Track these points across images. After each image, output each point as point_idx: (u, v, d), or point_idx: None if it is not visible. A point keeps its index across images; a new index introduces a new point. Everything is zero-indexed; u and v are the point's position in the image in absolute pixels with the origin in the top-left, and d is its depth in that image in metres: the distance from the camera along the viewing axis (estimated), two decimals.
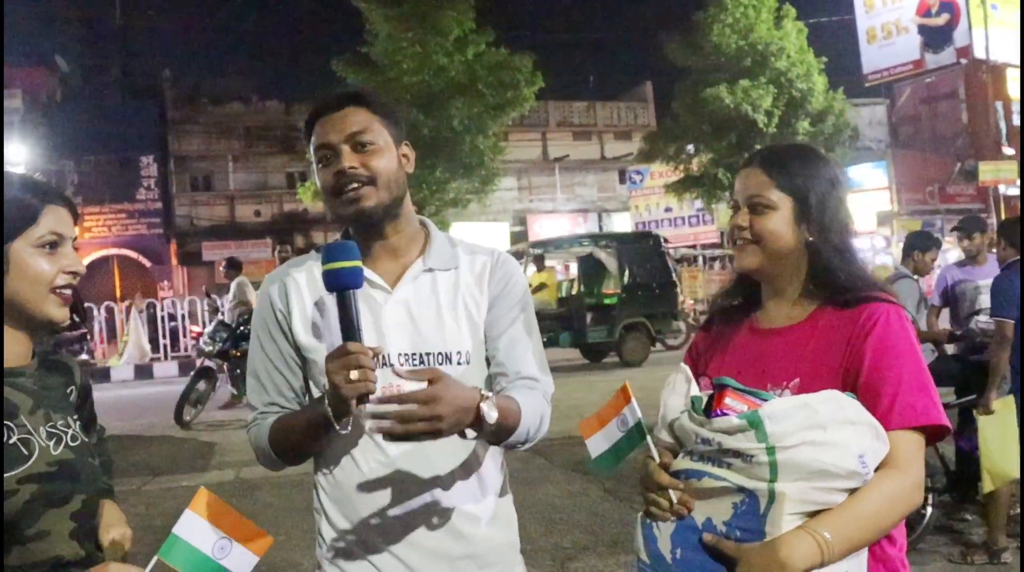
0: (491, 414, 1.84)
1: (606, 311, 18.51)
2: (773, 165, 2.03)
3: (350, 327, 1.83)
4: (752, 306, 2.14)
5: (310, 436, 2.00)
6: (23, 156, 32.97)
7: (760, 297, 2.12)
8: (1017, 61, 33.07)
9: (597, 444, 2.00)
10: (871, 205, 32.73)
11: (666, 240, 21.92)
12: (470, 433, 1.87)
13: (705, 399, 1.82)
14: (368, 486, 2.04)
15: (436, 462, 2.05)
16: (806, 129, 27.07)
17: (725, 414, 1.74)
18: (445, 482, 2.05)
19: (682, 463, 1.83)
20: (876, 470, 1.74)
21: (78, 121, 34.88)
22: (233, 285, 13.32)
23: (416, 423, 1.74)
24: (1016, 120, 35.73)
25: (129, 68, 41.47)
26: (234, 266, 13.64)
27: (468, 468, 2.09)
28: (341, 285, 1.85)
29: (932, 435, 1.85)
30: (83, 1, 47.56)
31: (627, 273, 19.01)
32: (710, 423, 1.75)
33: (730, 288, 2.22)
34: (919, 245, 6.81)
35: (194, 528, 1.74)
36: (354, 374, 1.77)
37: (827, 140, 27.17)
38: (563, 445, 8.76)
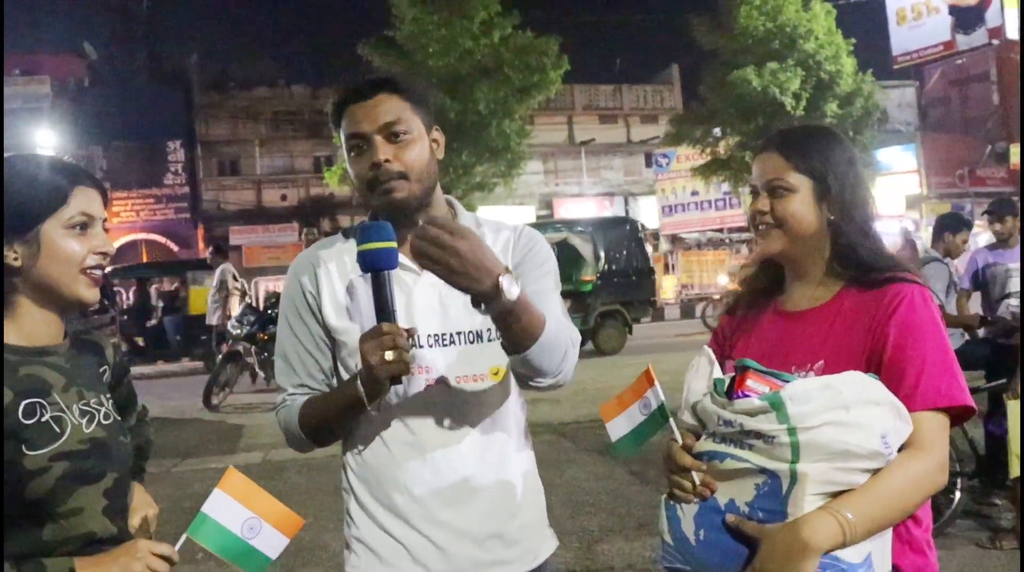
0: (512, 289, 1.74)
1: (580, 299, 18.08)
2: (789, 147, 2.02)
3: (385, 308, 1.84)
4: (777, 289, 2.13)
5: (342, 417, 2.02)
6: (52, 142, 33.28)
7: (784, 280, 2.11)
8: None
9: (618, 427, 2.01)
10: (900, 188, 32.49)
11: (643, 226, 21.63)
12: (483, 308, 1.78)
13: (728, 381, 1.82)
14: (396, 466, 2.05)
15: (464, 442, 2.06)
16: (834, 111, 26.82)
17: (747, 396, 1.74)
18: (472, 462, 2.06)
19: (705, 445, 1.83)
20: (900, 451, 1.73)
21: (106, 107, 35.12)
22: (217, 271, 13.65)
23: (433, 247, 1.69)
24: None
25: (156, 54, 41.72)
26: (219, 252, 14.07)
27: (496, 446, 2.10)
28: (376, 266, 1.84)
29: (957, 416, 1.84)
30: None
31: (602, 259, 18.80)
32: (732, 405, 1.75)
33: (754, 272, 2.20)
34: (950, 226, 6.75)
35: (223, 507, 1.76)
36: (389, 355, 1.78)
37: (856, 122, 26.92)
38: (589, 428, 8.79)
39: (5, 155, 1.85)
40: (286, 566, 5.47)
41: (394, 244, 1.85)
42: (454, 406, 2.05)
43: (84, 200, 1.84)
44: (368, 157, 2.02)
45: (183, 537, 1.76)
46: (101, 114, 34.74)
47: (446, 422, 2.05)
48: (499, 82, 24.94)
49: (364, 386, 1.86)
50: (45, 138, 33.20)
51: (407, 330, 1.82)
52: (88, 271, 1.84)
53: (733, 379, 1.81)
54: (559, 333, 1.95)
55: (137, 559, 1.74)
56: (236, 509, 1.77)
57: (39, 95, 34.68)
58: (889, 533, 1.76)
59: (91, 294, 1.86)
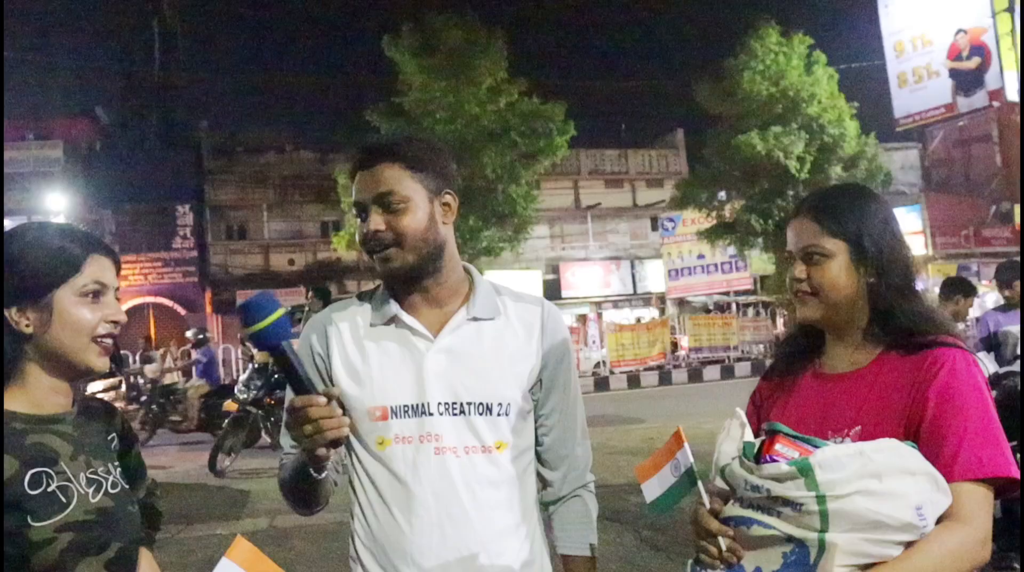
0: None
1: None
2: (822, 211, 1.98)
3: (294, 381, 1.80)
4: (817, 351, 2.08)
5: (301, 483, 1.98)
6: (63, 205, 33.59)
7: (823, 341, 2.07)
8: None
9: (652, 488, 1.98)
10: None
11: None
12: None
13: (757, 445, 1.78)
14: (403, 536, 2.02)
15: (473, 514, 2.03)
16: (839, 174, 26.96)
17: (775, 460, 1.70)
18: (481, 533, 2.03)
19: (732, 510, 1.79)
20: (938, 523, 1.67)
21: (116, 171, 35.40)
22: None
23: None
24: None
25: (167, 119, 42.10)
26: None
27: (505, 518, 2.08)
28: (271, 343, 1.78)
29: (1001, 488, 1.77)
30: (123, 54, 48.44)
31: None
32: (759, 469, 1.71)
33: (793, 334, 2.18)
34: (962, 290, 6.77)
35: None
36: (308, 428, 1.76)
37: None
38: (598, 493, 8.68)
39: (21, 222, 1.87)
40: None
41: (280, 313, 1.78)
42: (463, 476, 2.03)
43: (98, 268, 1.85)
44: (365, 225, 2.05)
45: None
46: (111, 178, 35.00)
47: (455, 491, 2.02)
48: (505, 147, 25.16)
49: (305, 455, 1.86)
50: (56, 202, 33.50)
51: (326, 394, 1.77)
52: (99, 340, 1.84)
53: (762, 443, 1.77)
54: (591, 527, 2.26)
55: None
56: None
57: (51, 159, 35.00)
58: None
59: (101, 362, 1.86)
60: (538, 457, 2.21)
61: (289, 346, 1.79)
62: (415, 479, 2.02)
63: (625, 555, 6.80)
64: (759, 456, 1.75)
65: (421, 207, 2.05)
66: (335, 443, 1.80)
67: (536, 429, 2.20)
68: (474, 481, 2.03)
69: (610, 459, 10.66)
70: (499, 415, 2.07)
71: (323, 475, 1.90)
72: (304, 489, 2.01)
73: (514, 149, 25.36)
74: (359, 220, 2.08)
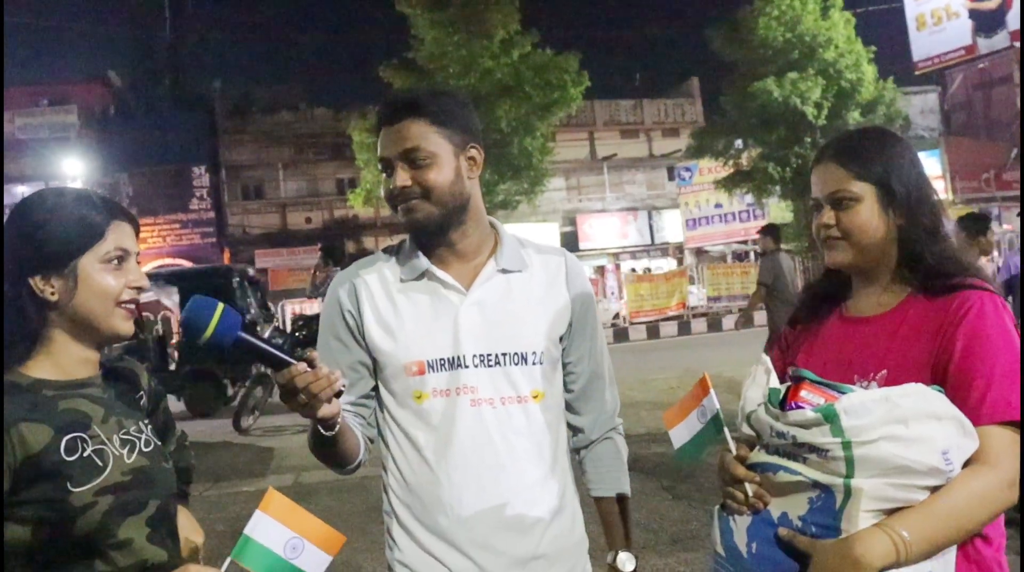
0: (629, 566, 2.19)
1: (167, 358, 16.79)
2: (847, 155, 1.95)
3: (268, 359, 1.79)
4: (843, 294, 2.07)
5: (320, 445, 1.99)
6: (79, 170, 33.66)
7: (850, 286, 2.05)
8: None
9: (680, 435, 1.99)
10: None
11: (253, 274, 18.52)
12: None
13: (783, 391, 1.77)
14: (441, 487, 2.05)
15: (508, 464, 2.06)
16: (856, 120, 26.71)
17: (800, 407, 1.70)
18: (517, 483, 2.06)
19: (758, 456, 1.80)
20: (965, 467, 1.66)
21: (132, 134, 35.48)
22: None
23: None
24: None
25: (180, 80, 42.08)
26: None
27: (538, 468, 2.10)
28: (228, 340, 1.76)
29: None
30: (135, 17, 48.32)
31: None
32: (785, 416, 1.71)
33: (818, 280, 2.15)
34: (978, 229, 6.71)
35: (265, 529, 1.77)
36: (300, 398, 1.76)
37: None
38: None
39: (38, 189, 1.88)
40: None
41: (219, 311, 1.74)
42: (498, 426, 2.05)
43: (120, 235, 1.86)
44: (390, 180, 2.05)
45: (228, 560, 1.77)
46: (127, 141, 35.09)
47: (491, 442, 2.04)
48: (520, 100, 25.03)
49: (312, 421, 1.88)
50: (72, 166, 33.59)
51: (303, 360, 1.76)
52: (123, 304, 1.85)
53: (788, 389, 1.76)
54: (623, 467, 2.31)
55: None
56: (278, 530, 1.77)
57: (66, 124, 35.10)
58: (952, 552, 1.69)
59: (126, 326, 1.87)
60: (568, 405, 2.24)
61: (246, 332, 1.78)
62: (452, 431, 2.05)
63: (648, 504, 6.84)
64: (784, 403, 1.75)
65: (447, 162, 2.06)
66: (338, 395, 1.80)
67: (565, 378, 2.23)
68: (509, 431, 2.06)
69: (631, 410, 10.70)
70: (533, 364, 2.10)
71: (334, 432, 1.90)
72: (326, 451, 2.02)
73: (528, 102, 25.23)
74: (384, 175, 2.09)
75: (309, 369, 1.74)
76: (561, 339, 2.18)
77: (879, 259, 1.95)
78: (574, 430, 2.27)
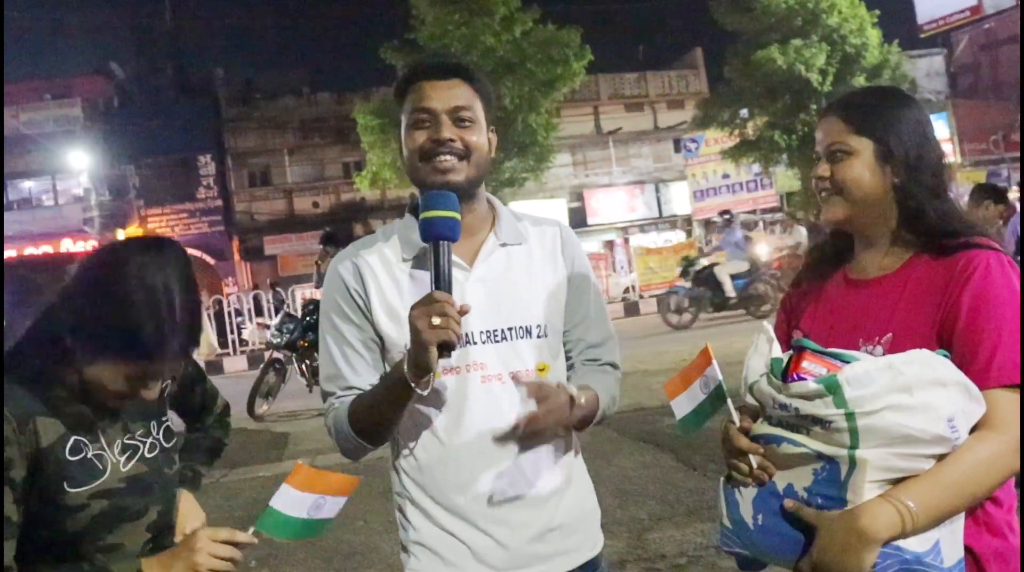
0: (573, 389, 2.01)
1: None
2: (848, 109, 1.93)
3: (440, 277, 1.85)
4: (846, 257, 2.03)
5: (392, 406, 1.99)
6: (85, 163, 33.73)
7: (852, 248, 2.02)
8: None
9: (681, 405, 1.98)
10: None
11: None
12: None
13: (785, 361, 1.74)
14: (454, 465, 2.06)
15: (519, 438, 2.06)
16: (862, 84, 26.55)
17: (802, 378, 1.67)
18: (530, 457, 2.08)
19: (762, 428, 1.77)
20: (972, 432, 1.64)
21: (136, 125, 35.47)
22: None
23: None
24: None
25: (182, 69, 42.01)
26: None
27: (549, 441, 2.11)
28: (437, 234, 1.87)
29: None
30: (134, 7, 48.27)
31: None
32: (787, 388, 1.68)
33: (822, 241, 2.12)
34: (994, 195, 6.67)
35: (291, 500, 1.81)
36: (436, 320, 1.77)
37: None
38: (633, 416, 8.75)
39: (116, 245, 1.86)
40: (340, 569, 5.50)
41: (458, 215, 1.89)
42: (508, 401, 2.05)
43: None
44: (431, 131, 2.03)
45: (251, 529, 1.80)
46: (131, 132, 35.08)
47: (501, 418, 2.04)
48: (523, 77, 24.97)
49: (411, 360, 1.85)
50: (78, 159, 33.66)
51: (461, 307, 1.83)
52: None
53: (790, 359, 1.73)
54: (607, 391, 2.18)
55: (198, 551, 1.76)
56: (303, 498, 1.81)
57: (70, 118, 35.10)
58: (961, 518, 1.67)
59: (149, 395, 1.89)
60: (571, 359, 2.26)
61: (448, 246, 1.89)
62: (463, 408, 2.05)
63: (662, 476, 6.86)
64: (786, 373, 1.72)
65: (484, 132, 2.10)
66: (444, 350, 1.82)
67: (566, 343, 2.23)
68: (519, 406, 2.05)
69: (643, 381, 10.71)
70: (539, 337, 2.11)
71: (427, 390, 1.91)
72: (391, 416, 2.02)
73: (531, 78, 25.17)
74: (413, 128, 2.06)
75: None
76: (565, 307, 2.19)
77: (876, 217, 1.91)
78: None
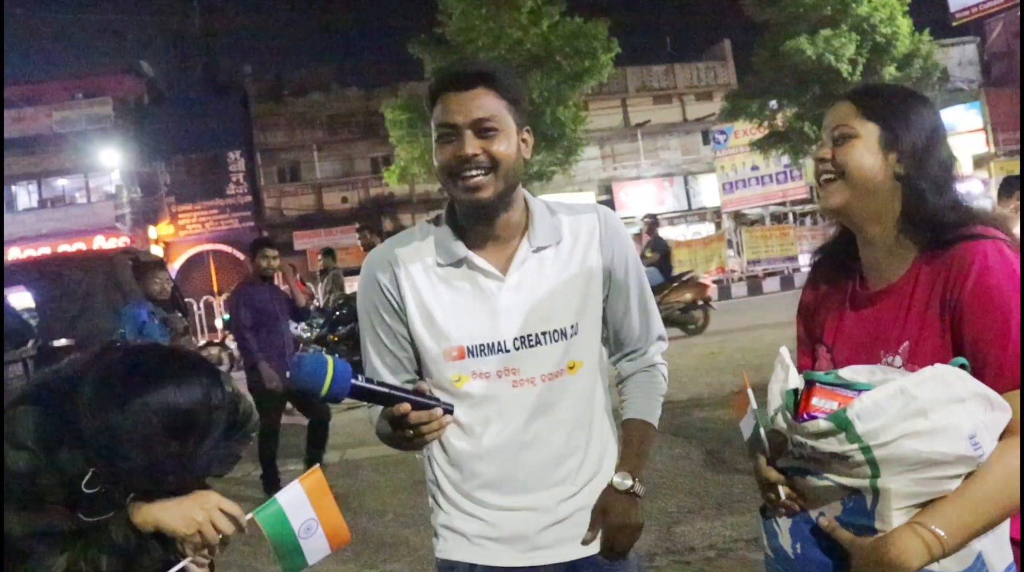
0: (640, 488, 2.15)
1: None
2: (860, 95, 1.88)
3: (382, 400, 1.84)
4: (856, 261, 1.96)
5: (400, 447, 2.02)
6: (117, 160, 34.04)
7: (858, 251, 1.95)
8: None
9: (745, 428, 1.94)
10: (966, 148, 31.67)
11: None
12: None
13: (798, 395, 1.69)
14: (487, 465, 2.09)
15: (548, 435, 2.09)
16: (893, 75, 26.25)
17: (813, 417, 1.62)
18: (559, 452, 2.10)
19: (786, 461, 1.74)
20: (1001, 439, 1.57)
21: (166, 122, 35.81)
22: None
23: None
24: None
25: (211, 67, 42.26)
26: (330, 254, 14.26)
27: (579, 436, 2.13)
28: (346, 390, 1.77)
29: None
30: (164, 7, 48.58)
31: None
32: (800, 428, 1.63)
33: (831, 240, 2.05)
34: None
35: (295, 500, 1.81)
36: (409, 433, 1.83)
37: (915, 84, 26.31)
38: (664, 409, 8.71)
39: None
40: (369, 562, 5.53)
41: (330, 366, 1.75)
42: (538, 402, 2.08)
43: None
44: (455, 148, 2.00)
45: (249, 515, 1.81)
46: (161, 130, 35.41)
47: (532, 417, 2.07)
48: (550, 70, 24.95)
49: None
50: (109, 158, 33.97)
51: (419, 389, 1.87)
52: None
53: (800, 396, 1.68)
54: (654, 404, 2.30)
55: (203, 508, 1.78)
56: (304, 506, 1.82)
57: (101, 116, 35.42)
58: (1005, 527, 1.62)
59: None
60: (611, 354, 2.28)
61: (360, 381, 1.80)
62: (493, 408, 2.08)
63: (692, 469, 6.85)
64: (797, 410, 1.67)
65: (513, 138, 2.04)
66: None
67: (608, 336, 2.25)
68: (550, 405, 2.08)
69: (673, 375, 10.62)
70: (572, 336, 2.11)
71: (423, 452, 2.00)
72: (401, 445, 2.02)
73: (559, 71, 25.14)
74: (440, 143, 2.04)
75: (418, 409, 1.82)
76: (605, 299, 2.19)
77: (878, 210, 1.84)
78: (618, 372, 2.31)
